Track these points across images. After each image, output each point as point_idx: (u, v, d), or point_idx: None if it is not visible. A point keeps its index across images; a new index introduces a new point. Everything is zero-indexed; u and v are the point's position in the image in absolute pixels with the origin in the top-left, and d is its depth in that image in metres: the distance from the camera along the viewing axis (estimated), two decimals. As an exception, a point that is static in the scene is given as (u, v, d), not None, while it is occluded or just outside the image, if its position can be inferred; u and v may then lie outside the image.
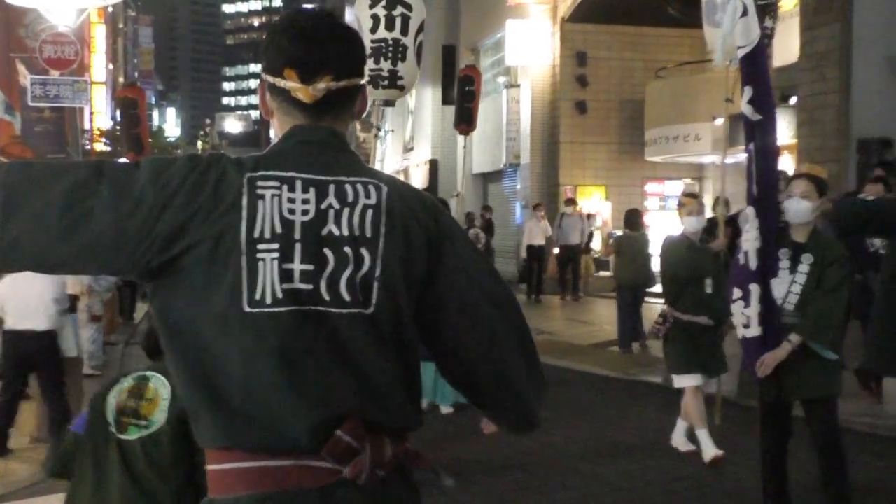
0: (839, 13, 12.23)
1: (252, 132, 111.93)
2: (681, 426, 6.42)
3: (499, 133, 21.22)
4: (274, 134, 1.83)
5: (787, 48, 14.12)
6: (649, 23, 19.49)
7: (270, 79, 1.75)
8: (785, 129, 14.37)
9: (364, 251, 1.65)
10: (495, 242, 20.17)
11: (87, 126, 36.69)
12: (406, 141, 30.52)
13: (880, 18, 12.18)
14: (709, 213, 17.10)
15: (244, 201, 1.62)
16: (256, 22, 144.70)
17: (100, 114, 34.94)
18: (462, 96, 10.93)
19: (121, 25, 53.54)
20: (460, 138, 12.28)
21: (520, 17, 19.78)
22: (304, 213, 1.64)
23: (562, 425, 7.25)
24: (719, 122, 16.39)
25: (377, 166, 34.71)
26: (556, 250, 16.89)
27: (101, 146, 30.98)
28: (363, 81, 1.83)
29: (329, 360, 1.62)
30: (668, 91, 18.10)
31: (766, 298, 4.40)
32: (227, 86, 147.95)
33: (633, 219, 11.51)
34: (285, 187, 1.65)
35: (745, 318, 4.41)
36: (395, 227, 1.69)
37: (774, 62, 15.41)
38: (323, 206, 1.66)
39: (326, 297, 1.63)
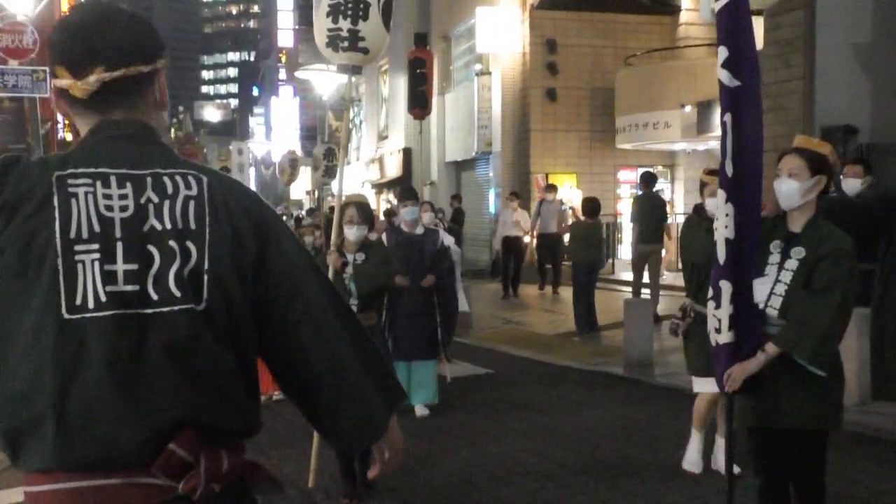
0: (803, 0, 12.19)
1: (230, 121, 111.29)
2: (719, 444, 5.59)
3: (471, 121, 21.11)
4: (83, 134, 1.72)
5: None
6: (619, 10, 19.45)
7: (54, 80, 1.68)
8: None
9: (190, 244, 1.59)
10: (468, 231, 20.10)
11: (59, 116, 36.39)
12: (380, 129, 30.37)
13: (844, 5, 12.13)
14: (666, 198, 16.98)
15: (55, 200, 1.53)
16: (234, 10, 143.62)
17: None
18: (414, 79, 10.68)
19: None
20: (431, 126, 12.07)
21: (490, 5, 19.65)
22: (123, 209, 1.57)
23: (514, 417, 7.20)
24: (688, 109, 16.36)
25: (352, 155, 34.60)
26: (527, 238, 16.31)
27: (71, 136, 30.61)
28: (150, 68, 1.71)
29: (160, 364, 1.53)
30: (638, 78, 18.06)
31: (739, 299, 3.68)
32: (206, 74, 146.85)
33: (589, 206, 11.86)
34: (99, 184, 1.57)
35: (716, 321, 3.78)
36: (220, 217, 1.63)
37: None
38: (142, 201, 1.59)
39: (155, 297, 1.55)
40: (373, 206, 24.67)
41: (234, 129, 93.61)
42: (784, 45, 12.50)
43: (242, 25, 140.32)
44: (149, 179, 1.60)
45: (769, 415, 3.64)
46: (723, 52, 3.74)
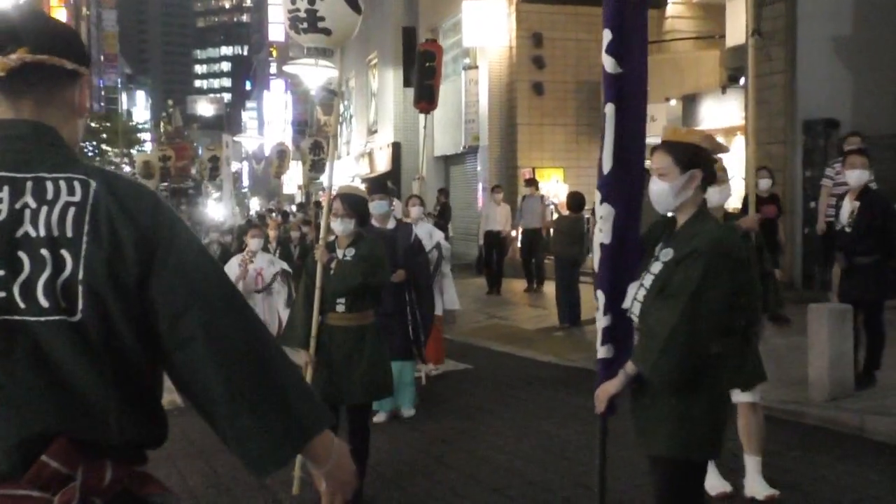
0: (784, -8, 12.17)
1: (224, 115, 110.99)
2: (752, 464, 5.03)
3: (459, 115, 21.08)
4: None
5: (736, 28, 14.03)
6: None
7: None
8: (736, 111, 14.34)
9: (65, 253, 1.52)
10: (457, 226, 20.05)
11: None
12: (370, 124, 30.31)
13: (825, -3, 12.15)
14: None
15: None
16: (227, 4, 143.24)
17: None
18: (422, 73, 10.46)
19: (85, 10, 52.86)
20: (421, 119, 11.83)
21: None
22: None
23: (490, 415, 7.18)
24: (673, 102, 16.33)
25: (342, 149, 34.49)
26: (514, 233, 16.16)
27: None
28: (73, 66, 1.67)
29: (28, 374, 1.49)
30: (624, 72, 18.01)
31: (617, 309, 3.32)
32: (199, 68, 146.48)
33: (573, 201, 11.88)
34: None
35: (598, 333, 3.44)
36: (99, 226, 1.54)
37: (727, 42, 15.37)
38: (18, 206, 1.53)
39: (22, 305, 1.50)
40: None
41: (227, 122, 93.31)
42: (765, 37, 12.47)
43: (235, 19, 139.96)
44: (29, 184, 1.55)
45: (636, 438, 3.28)
46: (607, 36, 3.45)
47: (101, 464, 1.53)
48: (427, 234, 8.60)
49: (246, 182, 59.88)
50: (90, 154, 39.59)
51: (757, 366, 4.83)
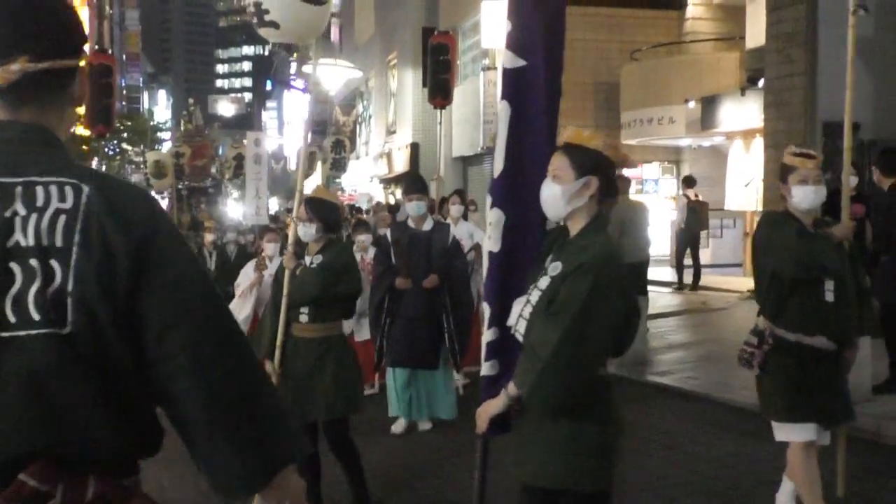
0: (804, -6, 12.06)
1: (245, 114, 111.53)
2: (787, 487, 4.56)
3: (477, 116, 21.04)
4: None
5: (757, 30, 13.94)
6: (624, 4, 19.34)
7: None
8: (755, 113, 14.24)
9: (55, 263, 1.45)
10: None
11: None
12: (388, 124, 30.31)
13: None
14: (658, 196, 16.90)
15: None
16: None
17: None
18: (435, 66, 10.20)
19: (108, 9, 53.24)
20: (437, 116, 11.60)
21: (496, -1, 19.57)
22: None
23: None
24: (692, 104, 16.24)
25: (360, 150, 34.43)
26: None
27: (82, 130, 30.72)
28: (75, 62, 1.60)
29: (13, 391, 1.43)
30: (643, 73, 17.95)
31: (502, 322, 3.10)
32: (221, 68, 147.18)
33: None
34: None
35: (483, 348, 3.25)
36: (90, 234, 1.47)
37: (747, 44, 15.27)
38: (7, 214, 1.46)
39: (12, 319, 1.43)
40: (381, 201, 24.64)
41: (248, 122, 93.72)
42: (786, 39, 12.38)
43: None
44: (19, 189, 1.48)
45: (514, 464, 3.02)
46: (507, 27, 3.26)
47: (84, 480, 1.48)
48: (468, 234, 8.22)
49: (265, 182, 59.97)
50: (111, 153, 39.77)
51: (844, 399, 4.28)
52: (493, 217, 3.19)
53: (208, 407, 1.53)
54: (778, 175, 4.25)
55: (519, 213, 3.18)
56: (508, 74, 3.22)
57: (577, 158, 2.89)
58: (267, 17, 4.68)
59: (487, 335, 3.21)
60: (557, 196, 2.90)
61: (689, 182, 15.49)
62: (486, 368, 3.23)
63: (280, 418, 1.63)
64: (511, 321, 2.99)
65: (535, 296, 2.89)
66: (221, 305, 1.64)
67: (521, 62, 3.21)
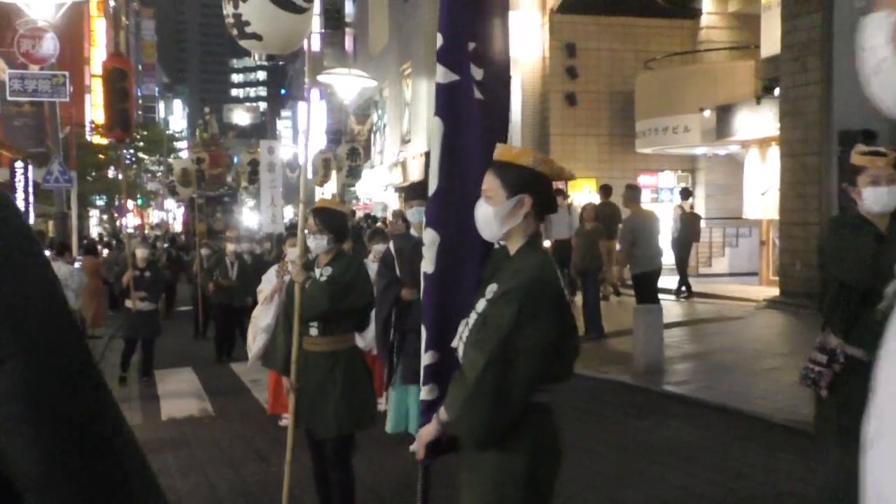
0: (819, 2, 12.03)
1: (260, 124, 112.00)
2: None
3: (491, 125, 21.12)
4: None
5: (772, 38, 13.93)
6: (639, 13, 19.34)
7: None
8: (770, 121, 14.21)
9: None
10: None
11: (87, 118, 36.79)
12: (403, 133, 30.40)
13: (862, 7, 11.97)
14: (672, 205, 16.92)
15: None
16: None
17: (99, 107, 34.94)
18: None
19: (124, 20, 53.61)
20: None
21: (510, 9, 19.61)
22: None
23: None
24: (707, 113, 16.22)
25: (375, 159, 34.47)
26: (546, 243, 16.25)
27: (98, 139, 30.95)
28: None
29: None
30: (657, 82, 17.94)
31: (443, 347, 3.01)
32: (236, 77, 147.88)
33: (589, 213, 12.70)
34: None
35: (422, 371, 3.17)
36: None
37: (762, 53, 15.24)
38: None
39: None
40: (397, 209, 24.64)
41: (263, 131, 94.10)
42: (801, 48, 12.35)
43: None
44: None
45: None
46: (439, 40, 3.11)
47: None
48: None
49: (280, 190, 60.11)
50: (128, 162, 39.97)
51: None
52: (428, 238, 3.12)
53: (45, 463, 1.14)
54: (849, 176, 3.84)
55: (455, 233, 3.08)
56: (441, 90, 3.10)
57: (507, 177, 2.77)
58: (248, 30, 4.56)
59: (426, 358, 3.09)
60: (490, 217, 2.79)
61: (684, 194, 16.29)
62: (424, 392, 3.10)
63: (138, 478, 1.22)
64: (454, 343, 2.88)
65: (472, 318, 2.78)
66: (76, 339, 1.22)
67: (454, 77, 3.07)
